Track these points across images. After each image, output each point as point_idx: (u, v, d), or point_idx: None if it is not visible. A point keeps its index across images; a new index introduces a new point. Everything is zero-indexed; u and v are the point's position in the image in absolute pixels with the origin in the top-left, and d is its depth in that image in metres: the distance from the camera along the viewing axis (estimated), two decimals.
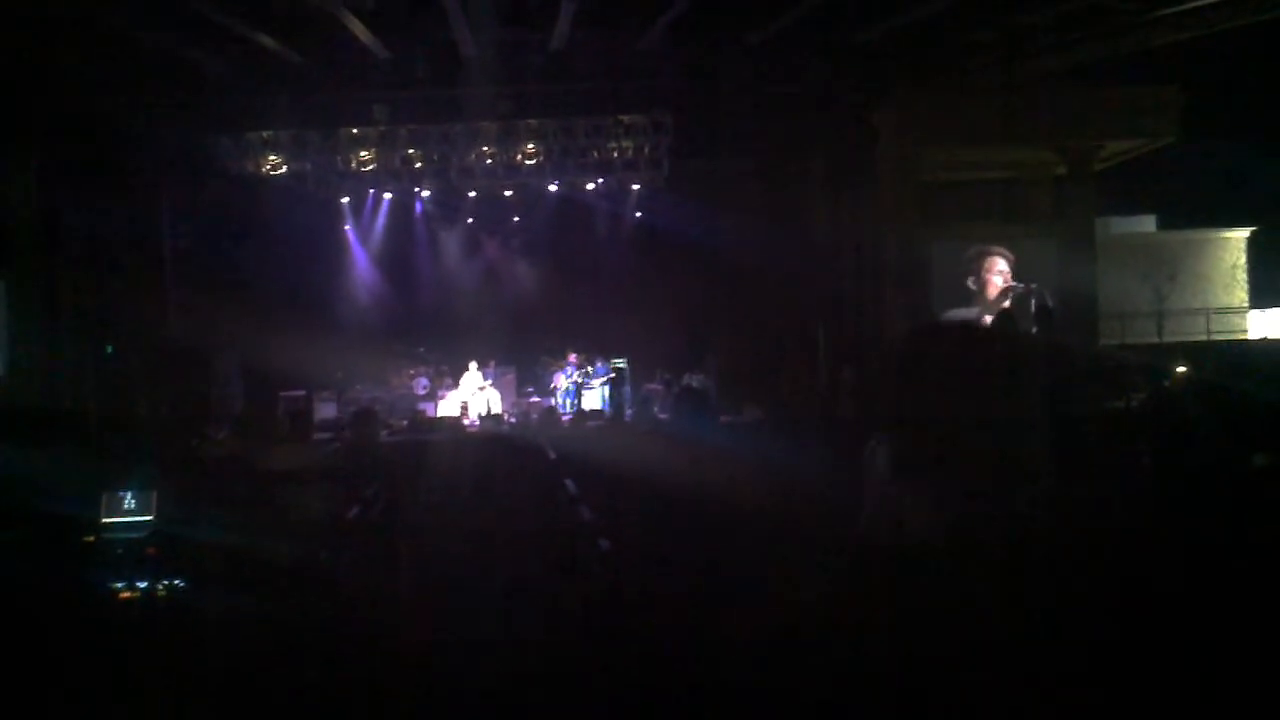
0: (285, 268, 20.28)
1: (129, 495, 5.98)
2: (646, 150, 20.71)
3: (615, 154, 20.78)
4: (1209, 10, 16.04)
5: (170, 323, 19.55)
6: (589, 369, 20.87)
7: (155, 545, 5.78)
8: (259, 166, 20.34)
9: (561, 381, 20.94)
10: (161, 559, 5.76)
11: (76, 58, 16.30)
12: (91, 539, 5.84)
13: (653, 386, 20.49)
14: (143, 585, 5.66)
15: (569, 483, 7.28)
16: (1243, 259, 23.84)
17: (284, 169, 20.47)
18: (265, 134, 20.10)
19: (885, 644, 4.84)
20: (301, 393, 19.53)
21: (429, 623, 5.51)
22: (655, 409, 19.20)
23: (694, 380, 19.68)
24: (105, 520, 5.90)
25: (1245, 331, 22.96)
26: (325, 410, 19.65)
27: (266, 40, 16.88)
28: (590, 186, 21.98)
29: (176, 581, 5.71)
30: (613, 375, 20.72)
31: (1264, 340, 22.10)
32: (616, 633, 5.17)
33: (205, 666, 5.17)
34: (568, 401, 20.73)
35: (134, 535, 5.86)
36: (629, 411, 19.59)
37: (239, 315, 19.41)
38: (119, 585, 5.65)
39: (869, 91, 19.43)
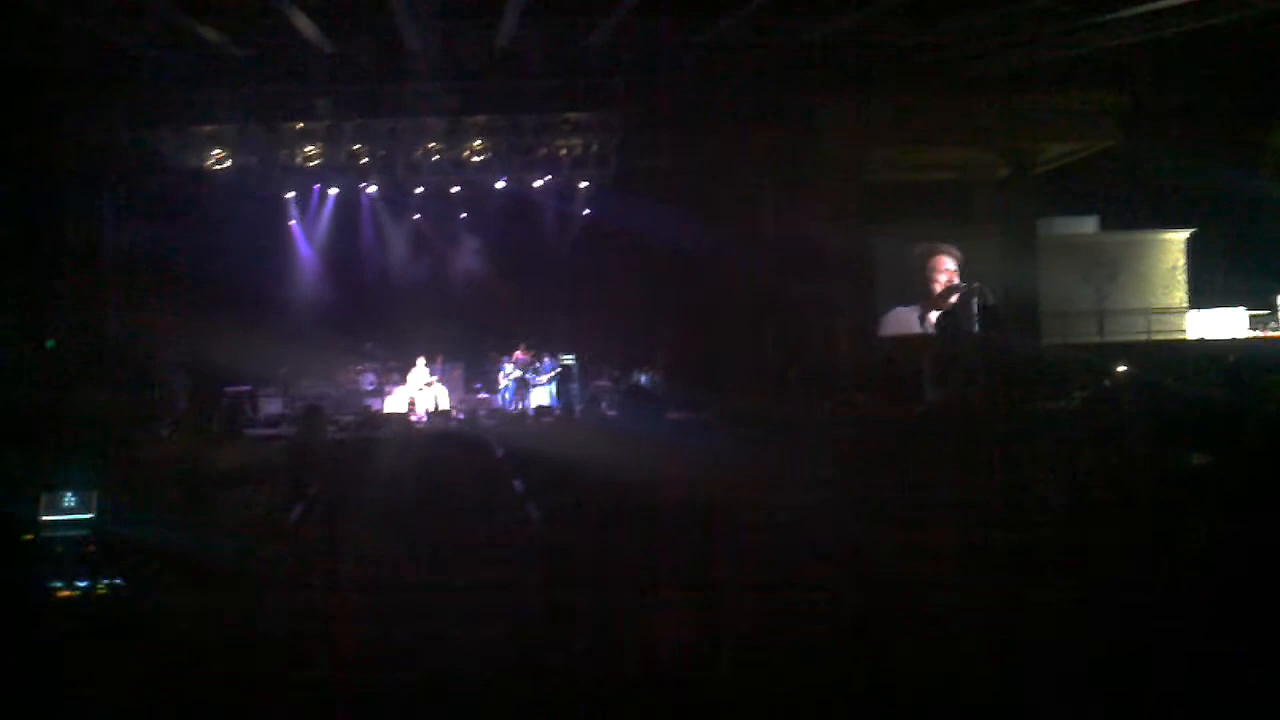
0: (230, 263, 20.03)
1: (69, 493, 5.92)
2: (594, 148, 20.72)
3: (563, 151, 20.77)
4: (1152, 17, 16.28)
5: (112, 318, 19.28)
6: (536, 365, 20.80)
7: (96, 543, 5.72)
8: (202, 161, 20.14)
9: (501, 379, 20.84)
10: (102, 557, 5.71)
11: (13, 47, 16.03)
12: (30, 537, 5.77)
13: (601, 383, 20.49)
14: (83, 584, 5.60)
15: (517, 482, 7.29)
16: (1182, 260, 24.18)
17: (228, 164, 20.27)
18: (208, 128, 19.89)
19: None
20: (246, 388, 19.37)
21: (371, 619, 5.50)
22: (604, 406, 19.23)
23: (642, 377, 19.71)
24: (45, 519, 5.84)
25: (1184, 332, 23.31)
26: (271, 406, 19.52)
27: (209, 33, 16.70)
28: (538, 184, 21.93)
29: (117, 580, 5.65)
30: (559, 371, 20.67)
31: (1201, 341, 22.44)
32: (562, 628, 5.19)
33: (145, 665, 5.12)
34: (506, 396, 20.63)
35: (74, 533, 5.80)
36: (578, 408, 19.57)
37: (182, 310, 19.19)
38: (58, 584, 5.59)
39: (816, 91, 19.53)
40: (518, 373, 20.61)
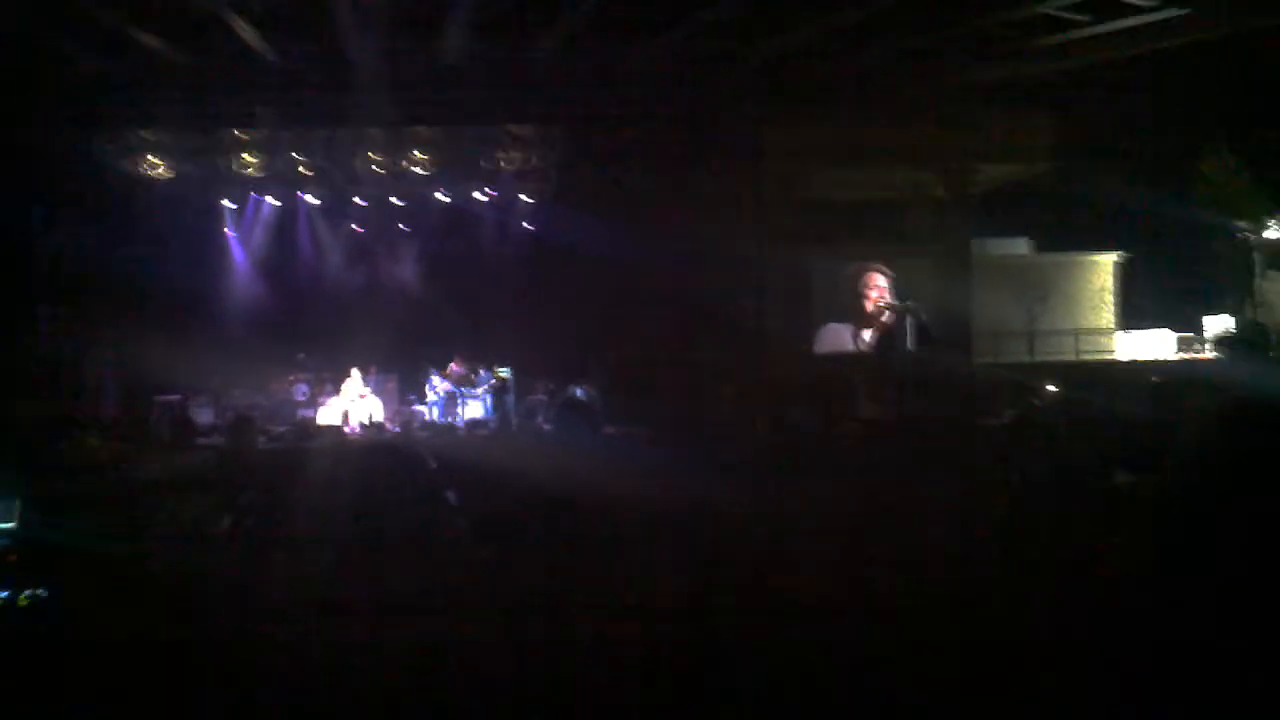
0: (163, 271, 19.82)
1: None
2: (534, 162, 20.73)
3: (503, 165, 20.76)
4: (1088, 42, 16.60)
5: (38, 324, 18.96)
6: (472, 378, 20.72)
7: (17, 553, 5.64)
8: (138, 168, 19.89)
9: (428, 392, 20.69)
10: (24, 568, 5.61)
11: None
12: None
13: (537, 397, 20.48)
14: (3, 595, 5.50)
15: (450, 494, 7.29)
16: (1110, 282, 24.58)
17: (165, 171, 20.05)
18: (146, 135, 19.66)
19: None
20: (177, 397, 19.14)
21: (303, 631, 5.45)
22: (540, 419, 19.24)
23: (578, 391, 19.70)
24: None
25: (1112, 352, 23.67)
26: (202, 416, 19.31)
27: (149, 39, 16.51)
28: (478, 196, 21.91)
29: (40, 591, 5.56)
30: (494, 383, 20.60)
31: (1130, 362, 22.81)
32: (493, 637, 5.19)
33: (68, 680, 5.04)
34: (434, 410, 20.50)
35: None
36: (514, 421, 19.55)
37: (113, 318, 18.92)
38: None
39: (756, 109, 19.67)
40: (445, 385, 20.50)
